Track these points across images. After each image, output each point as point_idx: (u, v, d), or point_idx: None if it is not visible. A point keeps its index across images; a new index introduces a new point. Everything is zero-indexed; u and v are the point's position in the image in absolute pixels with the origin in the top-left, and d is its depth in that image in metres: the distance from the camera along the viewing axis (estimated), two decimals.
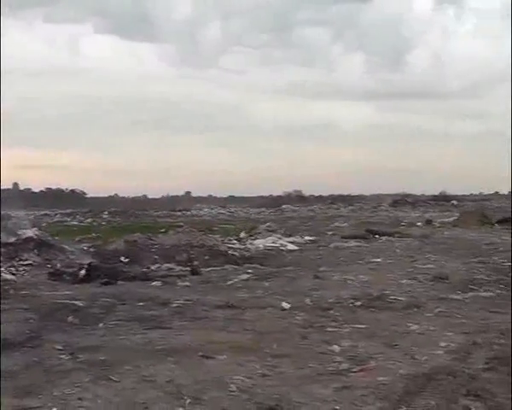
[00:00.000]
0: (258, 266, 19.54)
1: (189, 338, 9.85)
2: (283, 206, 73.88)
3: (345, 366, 8.26)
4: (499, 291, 14.75)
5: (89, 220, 55.23)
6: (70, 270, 17.92)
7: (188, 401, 6.82)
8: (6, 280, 16.21)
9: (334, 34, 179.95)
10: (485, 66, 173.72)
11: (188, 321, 11.35)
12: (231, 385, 7.36)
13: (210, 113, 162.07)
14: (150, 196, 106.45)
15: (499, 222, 38.34)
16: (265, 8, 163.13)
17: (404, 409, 6.62)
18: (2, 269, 17.56)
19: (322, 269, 18.00)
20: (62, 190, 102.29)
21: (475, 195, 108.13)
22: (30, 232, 21.25)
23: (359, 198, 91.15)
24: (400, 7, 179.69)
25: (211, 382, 7.50)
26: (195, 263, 19.27)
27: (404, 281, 15.75)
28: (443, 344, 9.41)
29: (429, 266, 18.70)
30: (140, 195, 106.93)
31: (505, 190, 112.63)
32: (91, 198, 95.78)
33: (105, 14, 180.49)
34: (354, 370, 8.08)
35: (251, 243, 26.66)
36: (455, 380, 7.51)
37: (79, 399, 6.92)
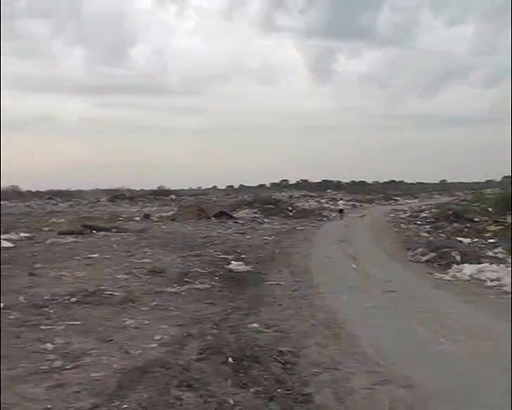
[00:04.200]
0: None
1: None
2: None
3: (58, 363, 7.96)
4: (214, 283, 15.37)
5: None
6: None
7: None
8: None
9: (55, 27, 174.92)
10: (205, 63, 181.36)
11: None
12: None
13: None
14: None
15: (216, 216, 40.08)
16: None
17: (117, 404, 6.53)
18: None
19: (37, 266, 17.23)
20: None
21: (194, 189, 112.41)
22: None
23: (78, 193, 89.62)
24: (122, 1, 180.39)
25: None
26: None
27: (120, 276, 15.69)
28: (157, 337, 9.52)
29: (146, 260, 18.88)
30: None
31: (222, 185, 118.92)
32: None
33: None
34: (67, 367, 7.82)
35: None
36: (168, 372, 7.62)
37: None
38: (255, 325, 10.79)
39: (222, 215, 41.05)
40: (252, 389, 7.22)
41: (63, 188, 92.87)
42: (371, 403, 7.00)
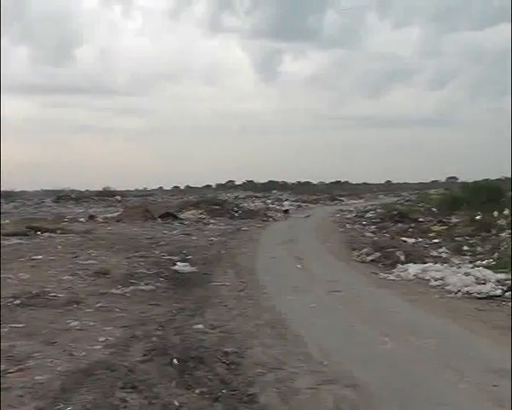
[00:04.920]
0: None
1: None
2: None
3: (1, 367, 7.85)
4: (159, 284, 15.36)
5: None
6: None
7: None
8: None
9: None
10: (152, 63, 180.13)
11: None
12: None
13: None
14: None
15: (161, 217, 39.86)
16: None
17: (61, 406, 6.50)
18: None
19: None
20: None
21: (140, 190, 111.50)
22: None
23: (22, 194, 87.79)
24: (68, 1, 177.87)
25: None
26: None
27: (65, 277, 15.53)
28: (102, 339, 9.49)
29: (91, 261, 18.71)
30: None
31: (168, 186, 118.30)
32: None
33: None
34: (11, 370, 7.73)
35: None
36: (112, 374, 7.61)
37: None
38: (200, 325, 10.85)
39: (168, 216, 40.83)
40: (197, 390, 7.27)
41: (7, 189, 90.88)
42: (315, 403, 7.12)
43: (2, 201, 73.83)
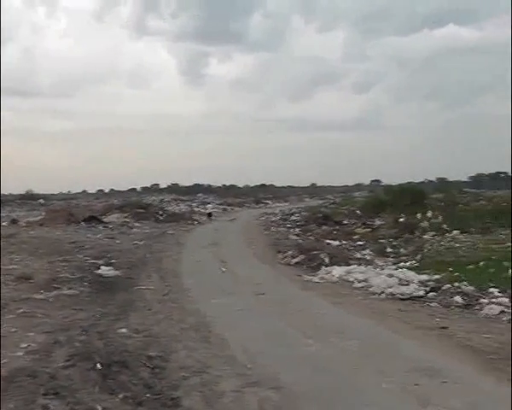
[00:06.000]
0: None
1: None
2: None
3: None
4: (83, 289, 15.19)
5: None
6: None
7: None
8: None
9: None
10: (77, 65, 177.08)
11: None
12: None
13: None
14: None
15: (85, 220, 39.25)
16: None
17: None
18: None
19: None
20: None
21: (64, 193, 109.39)
22: None
23: None
24: None
25: None
26: None
27: None
28: (24, 345, 9.36)
29: (13, 266, 18.28)
30: None
31: (93, 190, 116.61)
32: None
33: None
34: None
35: None
36: (34, 380, 7.53)
37: None
38: (124, 330, 10.82)
39: (92, 220, 40.20)
40: (120, 395, 7.28)
41: None
42: (239, 405, 7.21)
43: None
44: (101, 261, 20.28)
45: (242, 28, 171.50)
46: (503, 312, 12.63)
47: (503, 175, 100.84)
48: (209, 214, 49.43)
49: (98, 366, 8.25)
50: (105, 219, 42.44)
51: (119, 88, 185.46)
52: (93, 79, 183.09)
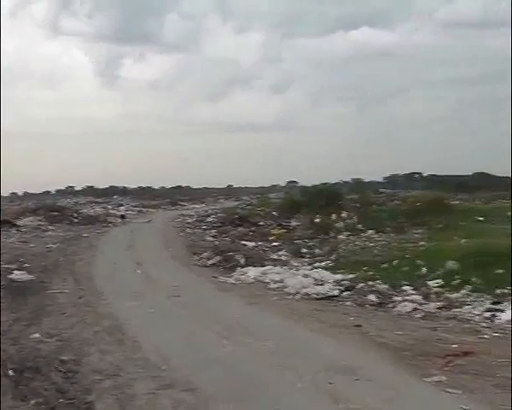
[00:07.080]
0: None
1: None
2: None
3: None
4: None
5: None
6: None
7: None
8: None
9: None
10: None
11: None
12: None
13: None
14: None
15: None
16: None
17: None
18: None
19: None
20: None
21: None
22: None
23: None
24: None
25: None
26: None
27: None
28: None
29: None
30: None
31: (6, 193, 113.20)
32: None
33: None
34: None
35: None
36: None
37: None
38: (37, 335, 10.74)
39: (4, 223, 39.21)
40: (32, 401, 7.26)
41: None
42: (153, 408, 7.26)
43: None
44: (14, 266, 19.85)
45: (158, 29, 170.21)
46: (415, 309, 13.12)
47: (417, 176, 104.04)
48: (122, 217, 48.88)
49: (10, 372, 8.18)
50: (18, 223, 41.41)
51: (31, 90, 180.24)
52: (4, 80, 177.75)
